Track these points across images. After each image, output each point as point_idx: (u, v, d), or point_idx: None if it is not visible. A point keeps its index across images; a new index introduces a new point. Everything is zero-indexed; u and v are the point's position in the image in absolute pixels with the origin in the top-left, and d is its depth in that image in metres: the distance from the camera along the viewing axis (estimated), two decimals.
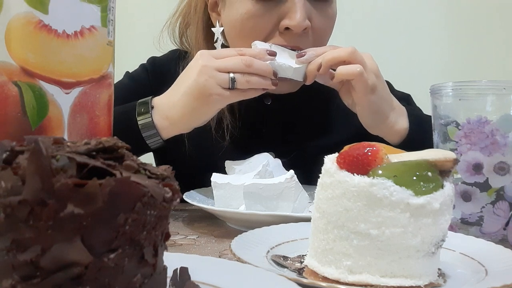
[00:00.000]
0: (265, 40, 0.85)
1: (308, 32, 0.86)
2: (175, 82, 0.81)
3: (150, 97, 0.82)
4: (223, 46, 0.93)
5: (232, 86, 0.76)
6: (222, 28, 0.92)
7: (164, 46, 1.04)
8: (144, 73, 1.04)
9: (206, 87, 0.75)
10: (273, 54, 0.79)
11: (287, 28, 0.84)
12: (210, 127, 0.92)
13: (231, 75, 0.76)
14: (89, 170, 0.26)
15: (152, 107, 0.80)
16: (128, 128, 0.79)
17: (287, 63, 0.79)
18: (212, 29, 0.94)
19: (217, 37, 0.93)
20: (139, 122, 0.79)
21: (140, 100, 0.82)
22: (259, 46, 0.81)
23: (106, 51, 0.53)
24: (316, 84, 1.06)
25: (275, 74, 0.78)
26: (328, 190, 0.44)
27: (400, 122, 0.82)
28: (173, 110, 0.78)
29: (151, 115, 0.79)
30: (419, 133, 0.80)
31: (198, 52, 0.79)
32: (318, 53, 0.79)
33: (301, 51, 0.80)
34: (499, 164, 0.57)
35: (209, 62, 0.76)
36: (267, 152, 0.86)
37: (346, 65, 0.77)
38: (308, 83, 0.82)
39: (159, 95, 0.87)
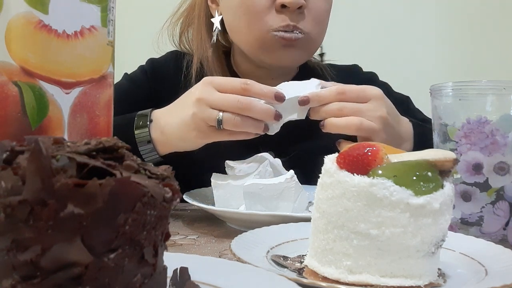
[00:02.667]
0: (263, 21, 0.85)
1: (304, 12, 0.87)
2: (178, 99, 0.79)
3: (150, 109, 0.80)
4: (219, 35, 0.95)
5: (218, 126, 0.72)
6: (220, 17, 0.93)
7: (162, 46, 1.04)
8: (143, 75, 1.04)
9: (194, 120, 0.73)
10: (280, 98, 0.72)
11: (283, 6, 0.85)
12: None
13: (220, 115, 0.72)
14: (89, 170, 0.26)
15: (151, 121, 0.79)
16: (126, 141, 0.77)
17: (290, 117, 0.75)
18: (212, 19, 0.95)
19: (216, 27, 0.94)
20: (136, 136, 0.78)
21: (139, 112, 0.81)
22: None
23: (106, 51, 0.53)
24: (322, 74, 1.06)
25: (277, 116, 0.72)
26: (328, 190, 0.44)
27: (404, 147, 0.80)
28: (168, 128, 0.77)
29: (149, 129, 0.78)
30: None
31: (204, 78, 0.75)
32: (321, 100, 0.74)
33: (304, 97, 0.73)
34: (499, 164, 0.57)
35: (206, 95, 0.73)
36: (267, 151, 0.86)
37: (341, 119, 0.73)
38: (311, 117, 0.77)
39: (157, 96, 0.86)
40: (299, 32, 0.87)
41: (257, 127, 0.73)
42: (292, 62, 0.94)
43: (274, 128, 0.75)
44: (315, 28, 0.90)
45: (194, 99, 0.73)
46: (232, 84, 0.73)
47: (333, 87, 0.75)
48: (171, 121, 0.77)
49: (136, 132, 0.78)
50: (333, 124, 0.74)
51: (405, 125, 0.82)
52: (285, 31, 0.86)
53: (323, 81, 0.77)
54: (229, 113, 0.71)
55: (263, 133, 0.74)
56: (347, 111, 0.73)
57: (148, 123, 0.78)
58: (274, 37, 0.86)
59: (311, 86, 0.75)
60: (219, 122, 0.72)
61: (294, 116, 0.75)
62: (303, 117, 0.75)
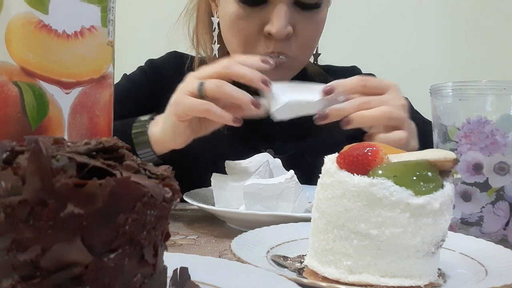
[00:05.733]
0: (251, 43, 0.85)
1: (291, 38, 0.86)
2: None
3: (153, 113, 0.81)
4: (219, 36, 0.94)
5: (200, 93, 0.69)
6: (218, 19, 0.94)
7: (173, 41, 1.04)
8: (142, 75, 1.04)
9: (178, 91, 0.72)
10: (266, 62, 0.71)
11: (270, 34, 0.85)
12: None
13: (203, 80, 0.69)
14: (89, 170, 0.26)
15: (152, 119, 0.79)
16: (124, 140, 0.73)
17: (307, 98, 0.70)
18: (212, 18, 0.95)
19: (215, 27, 0.95)
20: (133, 132, 0.77)
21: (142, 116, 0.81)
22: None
23: (106, 51, 0.53)
24: (314, 79, 1.06)
25: (265, 81, 0.69)
26: (328, 190, 0.44)
27: (411, 144, 0.78)
28: (156, 126, 0.77)
29: (147, 127, 0.77)
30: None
31: (189, 74, 0.75)
32: (347, 89, 0.71)
33: (328, 86, 0.70)
34: (499, 164, 0.57)
35: (190, 76, 0.72)
36: (267, 149, 0.87)
37: (372, 110, 0.69)
38: (319, 122, 0.71)
39: (157, 97, 0.87)
40: (284, 56, 0.87)
41: (241, 96, 0.69)
42: (278, 80, 0.96)
43: (276, 108, 0.69)
44: (302, 51, 0.91)
45: (179, 88, 0.72)
46: (214, 65, 0.72)
47: (355, 77, 0.72)
48: (161, 117, 0.77)
49: (133, 131, 0.78)
50: (364, 116, 0.69)
51: (413, 124, 0.81)
52: (270, 56, 0.86)
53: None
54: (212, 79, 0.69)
55: (254, 109, 0.69)
56: (374, 103, 0.70)
57: (147, 123, 0.78)
58: None
59: (315, 93, 0.71)
60: (201, 84, 0.69)
61: (305, 112, 0.71)
62: (315, 111, 0.71)
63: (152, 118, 0.79)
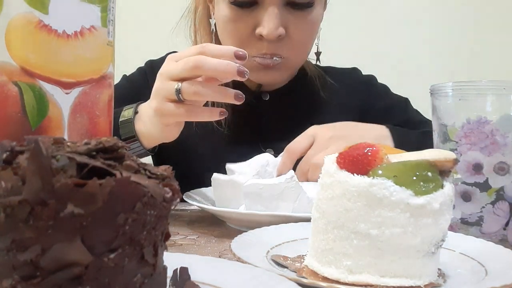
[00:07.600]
0: (244, 45, 0.84)
1: (284, 39, 0.87)
2: None
3: (138, 102, 0.79)
4: (216, 37, 0.95)
5: (178, 98, 0.66)
6: (215, 21, 0.94)
7: (174, 41, 1.04)
8: (142, 76, 1.04)
9: (156, 97, 0.69)
10: (241, 57, 0.65)
11: (262, 36, 0.85)
12: (208, 124, 0.93)
13: (178, 84, 0.65)
14: (89, 170, 0.26)
15: (137, 112, 0.76)
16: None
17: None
18: (210, 19, 0.96)
19: (212, 28, 0.95)
20: (120, 126, 0.75)
21: (127, 106, 0.79)
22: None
23: (106, 51, 0.53)
24: (314, 81, 1.07)
25: (241, 73, 0.63)
26: (328, 190, 0.44)
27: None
28: (141, 119, 0.75)
29: (133, 120, 0.75)
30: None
31: (168, 55, 0.72)
32: (288, 167, 0.76)
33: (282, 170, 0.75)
34: (499, 164, 0.57)
35: (165, 67, 0.69)
36: (266, 149, 0.87)
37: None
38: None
39: None
40: (278, 57, 0.87)
41: (222, 94, 0.66)
42: (273, 82, 0.97)
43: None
44: (296, 52, 0.91)
45: (158, 75, 0.70)
46: (190, 50, 0.69)
47: (285, 155, 0.78)
48: (144, 108, 0.75)
49: (120, 122, 0.76)
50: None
51: (373, 129, 0.83)
52: (264, 57, 0.87)
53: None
54: (188, 81, 0.66)
55: (238, 102, 0.66)
56: (307, 163, 0.76)
57: (133, 114, 0.76)
58: (253, 61, 0.87)
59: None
60: (178, 91, 0.66)
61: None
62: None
63: (136, 112, 0.76)
